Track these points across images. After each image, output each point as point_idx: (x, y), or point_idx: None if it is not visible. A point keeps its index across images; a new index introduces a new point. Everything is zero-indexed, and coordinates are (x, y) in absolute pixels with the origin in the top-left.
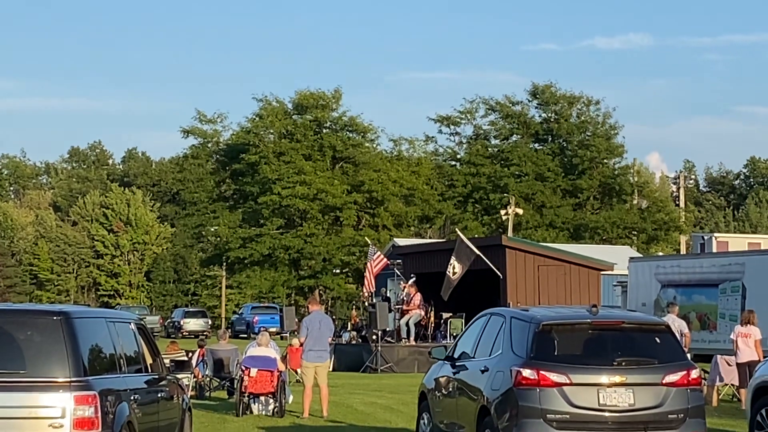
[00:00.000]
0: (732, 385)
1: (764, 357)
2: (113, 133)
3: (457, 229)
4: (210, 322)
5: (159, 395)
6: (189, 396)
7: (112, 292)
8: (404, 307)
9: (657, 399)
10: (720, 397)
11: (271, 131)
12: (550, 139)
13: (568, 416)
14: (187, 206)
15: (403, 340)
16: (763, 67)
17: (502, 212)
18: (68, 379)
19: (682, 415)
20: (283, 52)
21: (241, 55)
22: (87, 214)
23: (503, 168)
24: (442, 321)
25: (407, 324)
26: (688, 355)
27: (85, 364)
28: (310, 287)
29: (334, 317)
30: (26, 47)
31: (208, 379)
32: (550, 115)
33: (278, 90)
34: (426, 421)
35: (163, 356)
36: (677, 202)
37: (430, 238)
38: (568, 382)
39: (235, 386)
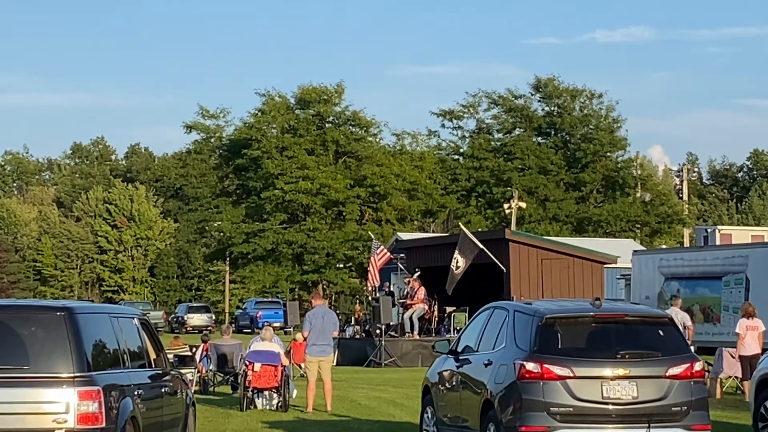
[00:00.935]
0: (735, 377)
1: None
2: (116, 129)
3: (460, 223)
4: (214, 317)
5: (163, 390)
6: (193, 391)
7: (115, 288)
8: (408, 302)
9: (660, 392)
10: (724, 389)
11: (274, 126)
12: (553, 132)
13: (571, 409)
14: (190, 201)
15: (407, 334)
16: (764, 59)
17: (506, 206)
18: (72, 375)
19: (685, 407)
20: (286, 46)
21: (243, 50)
22: (90, 209)
23: (506, 162)
24: (445, 315)
25: (411, 318)
26: (692, 348)
27: (88, 359)
28: (314, 282)
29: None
30: (28, 43)
31: (211, 374)
32: (552, 108)
33: (281, 85)
34: (430, 415)
35: (166, 351)
36: (680, 195)
37: (433, 232)
38: (571, 375)
39: (239, 381)
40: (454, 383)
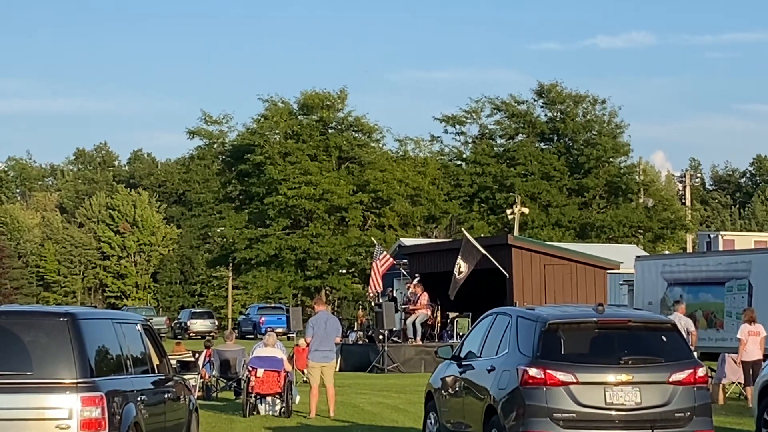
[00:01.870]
0: (738, 383)
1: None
2: (119, 135)
3: (463, 229)
4: (216, 323)
5: (166, 396)
6: (196, 397)
7: (118, 294)
8: (410, 307)
9: (664, 397)
10: (727, 395)
11: (277, 132)
12: (555, 138)
13: (574, 415)
14: (193, 207)
15: (410, 339)
16: (765, 64)
17: (508, 212)
18: (75, 381)
19: (688, 413)
20: (289, 52)
21: (246, 56)
22: (93, 215)
23: (509, 167)
24: (448, 320)
25: (414, 324)
26: (695, 354)
27: (91, 365)
28: (317, 287)
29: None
30: (31, 48)
31: (214, 379)
32: (555, 114)
33: (284, 90)
34: (433, 421)
35: (169, 357)
36: (683, 201)
37: (436, 237)
38: (574, 381)
39: (242, 387)
40: (457, 389)
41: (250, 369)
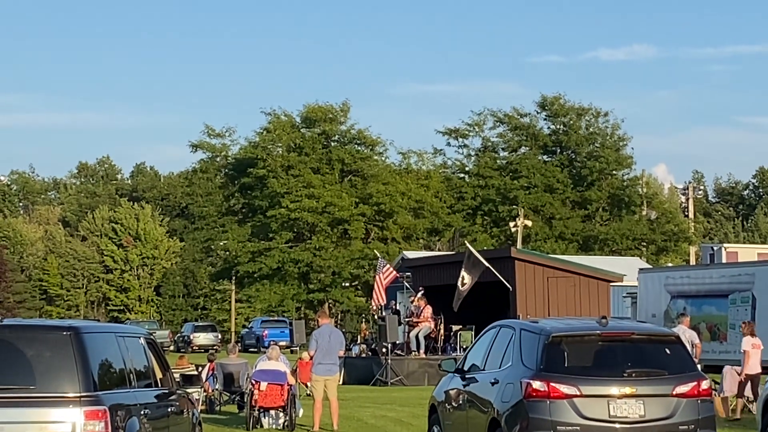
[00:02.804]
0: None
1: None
2: (121, 148)
3: (466, 242)
4: (220, 336)
5: (169, 410)
6: (199, 410)
7: (121, 307)
8: (414, 320)
9: (667, 410)
10: (731, 407)
11: (279, 145)
12: (558, 150)
13: (578, 428)
14: (196, 220)
15: (413, 352)
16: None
17: (511, 224)
18: (78, 394)
19: (692, 426)
20: (291, 65)
21: (248, 69)
22: (96, 229)
23: (512, 180)
24: (451, 333)
25: (417, 337)
26: (699, 366)
27: (95, 379)
28: (320, 301)
29: (344, 330)
30: (34, 62)
31: (218, 393)
32: (558, 126)
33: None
34: None
35: (172, 370)
36: (686, 213)
37: (439, 250)
38: (578, 393)
39: (246, 400)
40: (460, 402)
41: (254, 382)
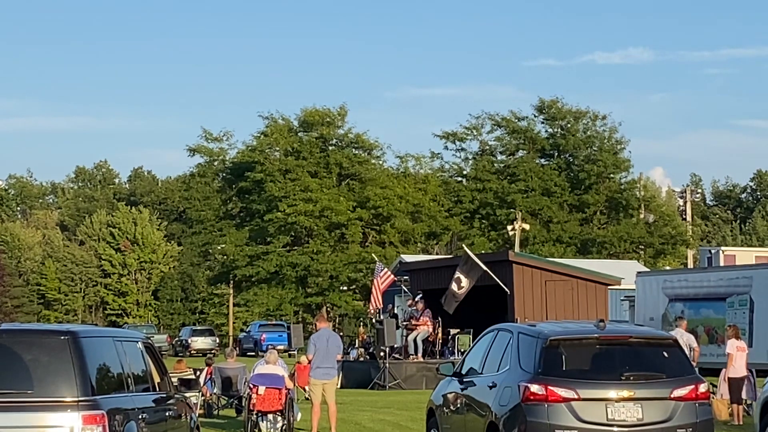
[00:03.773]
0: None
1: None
2: (119, 153)
3: (464, 245)
4: (218, 341)
5: (167, 414)
6: (197, 414)
7: (119, 311)
8: (412, 323)
9: (665, 413)
10: (730, 412)
11: (277, 149)
12: (556, 154)
13: (576, 431)
14: (193, 225)
15: (411, 356)
16: (763, 80)
17: (509, 228)
18: (76, 399)
19: (690, 429)
20: (289, 69)
21: (246, 73)
22: (94, 233)
23: (510, 183)
24: (449, 337)
25: (415, 340)
26: (696, 369)
27: (92, 383)
28: (318, 304)
29: (341, 334)
30: (31, 67)
31: (216, 397)
32: (556, 130)
33: (284, 107)
34: None
35: (170, 375)
36: (684, 216)
37: (437, 254)
38: (576, 397)
39: (243, 404)
40: (458, 405)
41: (252, 386)
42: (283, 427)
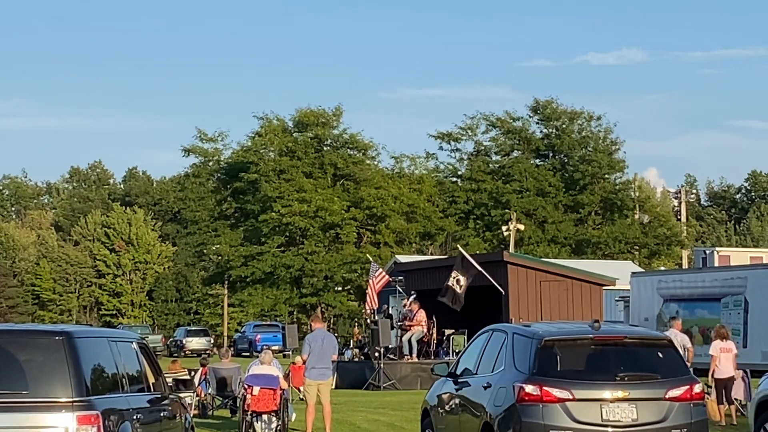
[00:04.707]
0: (735, 399)
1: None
2: (114, 153)
3: (459, 246)
4: (212, 341)
5: (162, 414)
6: (192, 415)
7: (114, 312)
8: (407, 323)
9: (660, 414)
10: (725, 413)
11: (272, 149)
12: (551, 154)
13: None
14: (188, 225)
15: (406, 356)
16: (757, 81)
17: (504, 228)
18: (71, 399)
19: (685, 429)
20: (284, 70)
21: (241, 74)
22: (88, 233)
23: (504, 184)
24: (444, 337)
25: (410, 341)
26: (691, 370)
27: (87, 384)
28: (312, 305)
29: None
30: (26, 67)
31: (210, 397)
32: (551, 130)
33: (279, 108)
34: None
35: (165, 375)
36: (679, 217)
37: (431, 254)
38: (570, 397)
39: (238, 405)
40: (453, 406)
41: (246, 387)
42: (278, 428)
